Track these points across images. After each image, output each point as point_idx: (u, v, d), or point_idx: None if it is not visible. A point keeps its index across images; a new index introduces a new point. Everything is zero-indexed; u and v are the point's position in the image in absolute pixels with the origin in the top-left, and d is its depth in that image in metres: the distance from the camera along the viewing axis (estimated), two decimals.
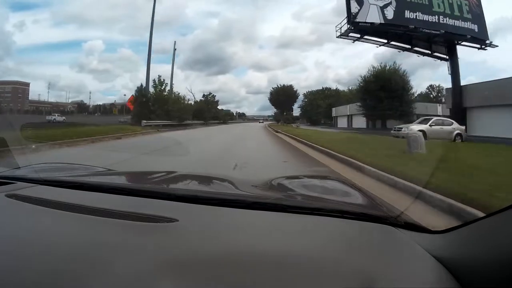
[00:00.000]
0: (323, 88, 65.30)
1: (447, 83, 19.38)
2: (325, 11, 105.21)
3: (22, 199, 0.82)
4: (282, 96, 61.58)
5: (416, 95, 34.13)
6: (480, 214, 2.37)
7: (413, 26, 17.31)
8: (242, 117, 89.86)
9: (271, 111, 72.18)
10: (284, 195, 1.00)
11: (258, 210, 0.77)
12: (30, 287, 0.48)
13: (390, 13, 17.48)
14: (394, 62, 28.47)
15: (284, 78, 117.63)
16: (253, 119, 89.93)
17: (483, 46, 18.50)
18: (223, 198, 0.84)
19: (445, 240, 0.65)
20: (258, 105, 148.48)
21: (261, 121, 73.65)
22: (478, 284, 0.51)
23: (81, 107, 75.63)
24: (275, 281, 0.50)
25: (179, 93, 29.89)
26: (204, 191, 0.99)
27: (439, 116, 17.64)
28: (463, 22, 18.08)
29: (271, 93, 65.52)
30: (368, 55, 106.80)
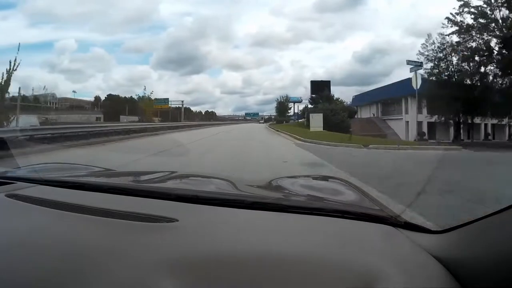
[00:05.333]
0: None
1: None
2: (305, 7, 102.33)
3: (22, 199, 0.81)
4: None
5: None
6: None
7: None
8: (211, 117, 63.07)
9: (246, 110, 66.48)
10: (284, 195, 1.00)
11: (258, 210, 0.77)
12: (30, 287, 0.48)
13: None
14: None
15: (259, 78, 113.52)
16: (224, 119, 68.12)
17: None
18: (223, 198, 0.84)
19: (445, 240, 0.65)
20: (232, 105, 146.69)
21: (262, 121, 60.47)
22: (478, 284, 0.51)
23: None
24: (275, 281, 0.50)
25: None
26: (204, 191, 0.99)
27: None
28: None
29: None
30: (347, 55, 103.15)
